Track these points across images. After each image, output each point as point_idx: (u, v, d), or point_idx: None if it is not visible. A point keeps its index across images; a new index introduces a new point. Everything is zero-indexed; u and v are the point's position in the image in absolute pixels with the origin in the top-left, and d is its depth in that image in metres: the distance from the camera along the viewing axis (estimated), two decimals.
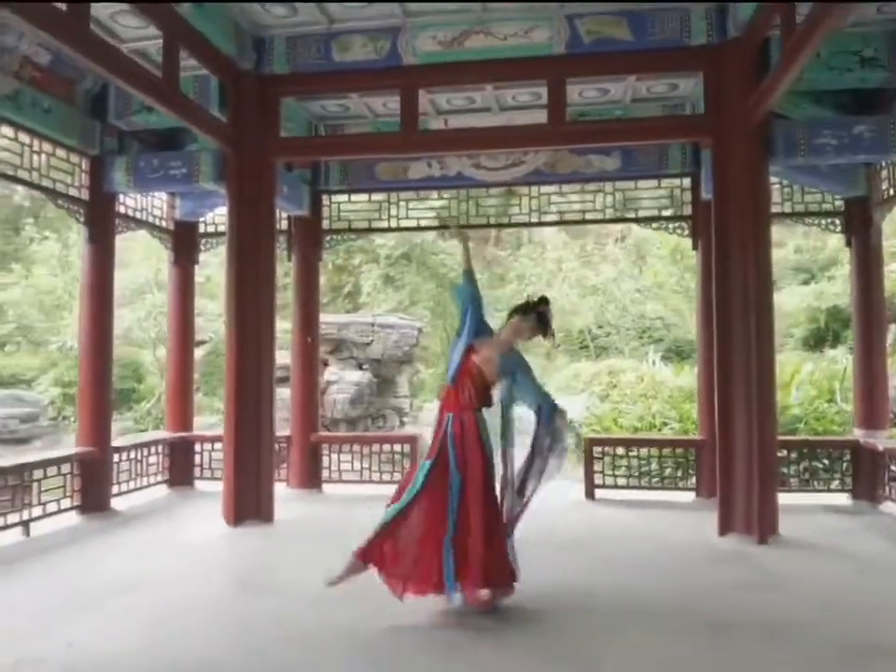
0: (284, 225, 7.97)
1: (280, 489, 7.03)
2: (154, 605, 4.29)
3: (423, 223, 8.78)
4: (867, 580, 4.75)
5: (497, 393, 4.25)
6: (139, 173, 6.75)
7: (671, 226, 7.78)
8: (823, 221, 7.48)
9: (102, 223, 6.79)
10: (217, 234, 8.18)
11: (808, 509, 6.68)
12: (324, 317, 10.15)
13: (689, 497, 7.32)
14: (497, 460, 4.13)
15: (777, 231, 15.82)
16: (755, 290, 5.72)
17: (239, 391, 6.32)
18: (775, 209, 7.11)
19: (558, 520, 6.42)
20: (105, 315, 6.87)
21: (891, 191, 6.72)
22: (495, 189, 8.22)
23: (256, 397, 6.36)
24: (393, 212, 8.27)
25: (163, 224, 7.92)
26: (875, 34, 5.73)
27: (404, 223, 8.43)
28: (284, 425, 8.13)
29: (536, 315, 4.21)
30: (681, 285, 18.42)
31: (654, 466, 7.74)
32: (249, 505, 6.29)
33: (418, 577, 3.91)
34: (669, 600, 4.35)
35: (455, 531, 3.89)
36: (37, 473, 6.18)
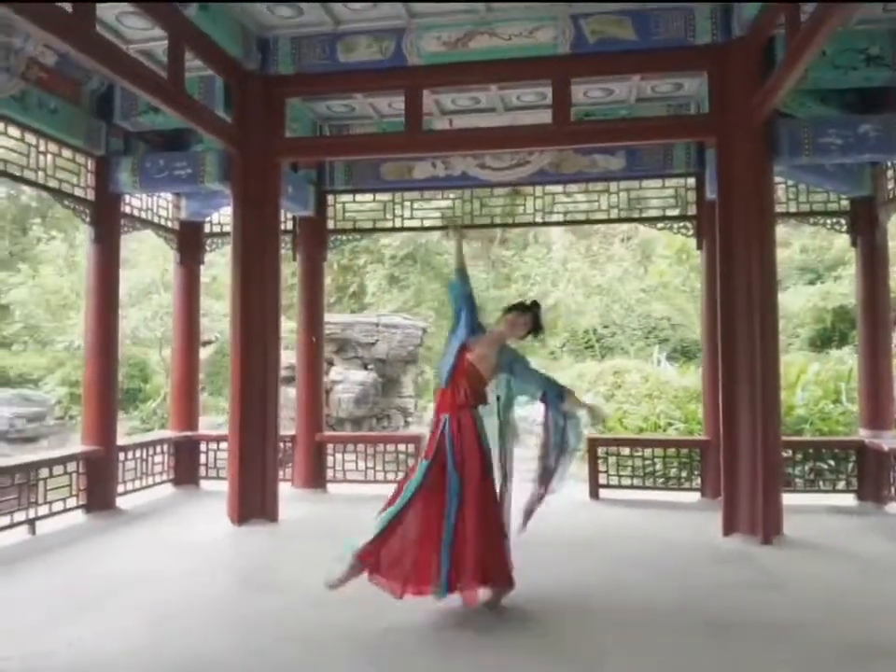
0: (289, 225, 8.00)
1: (285, 488, 7.05)
2: (158, 603, 4.31)
3: (427, 223, 8.79)
4: (871, 580, 4.74)
5: (491, 391, 4.25)
6: (145, 173, 6.78)
7: (676, 226, 7.77)
8: (828, 221, 7.46)
9: (107, 223, 6.82)
10: (222, 234, 8.20)
11: (813, 509, 6.66)
12: (329, 317, 10.18)
13: (694, 497, 7.32)
14: (496, 462, 4.13)
15: (783, 231, 15.81)
16: (759, 290, 5.71)
17: (244, 391, 6.34)
18: (779, 209, 7.10)
19: (562, 520, 6.41)
20: (110, 314, 6.90)
21: None
22: (500, 189, 8.22)
23: (261, 396, 6.38)
24: (398, 212, 8.29)
25: (169, 224, 7.95)
26: (881, 32, 5.72)
27: (409, 223, 8.45)
28: (289, 424, 8.15)
29: (532, 314, 4.28)
30: (687, 285, 18.36)
31: (659, 466, 7.73)
32: (254, 504, 6.31)
33: (417, 578, 3.90)
34: (672, 600, 4.35)
35: (453, 533, 3.88)
36: (43, 472, 6.22)
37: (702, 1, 5.79)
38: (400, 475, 7.65)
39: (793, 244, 17.96)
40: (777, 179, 6.64)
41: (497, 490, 4.14)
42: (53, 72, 6.07)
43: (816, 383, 10.67)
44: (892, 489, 6.74)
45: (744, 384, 5.73)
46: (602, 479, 7.52)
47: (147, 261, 16.88)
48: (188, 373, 8.25)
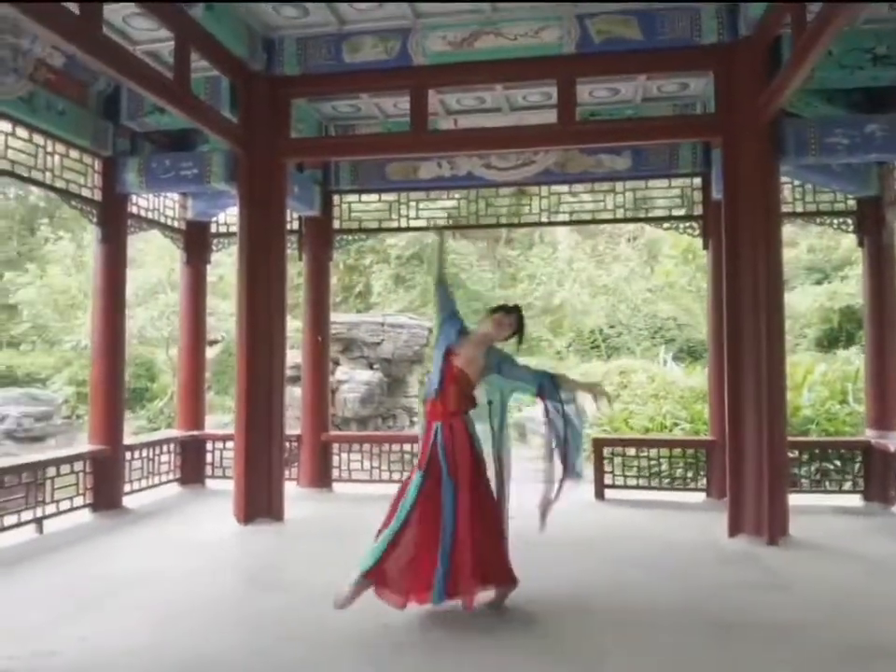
0: (295, 225, 8.02)
1: (290, 488, 7.07)
2: (163, 602, 4.33)
3: (433, 223, 8.79)
4: (877, 581, 4.73)
5: (482, 395, 4.22)
6: (151, 173, 6.81)
7: (682, 226, 7.76)
8: (835, 221, 7.44)
9: (114, 223, 6.85)
10: (228, 234, 8.23)
11: (820, 510, 6.64)
12: (335, 317, 10.20)
13: (699, 497, 7.31)
14: (492, 465, 4.12)
15: (789, 231, 15.76)
16: (766, 290, 5.69)
17: (250, 390, 6.36)
18: (786, 209, 7.09)
19: (567, 520, 6.38)
20: (117, 314, 6.93)
21: None
22: (505, 189, 8.22)
23: (267, 396, 6.40)
24: (403, 212, 8.29)
25: (175, 224, 7.98)
26: (888, 31, 5.68)
27: (414, 223, 8.46)
28: (294, 424, 8.17)
29: (517, 316, 4.28)
30: (693, 284, 18.33)
31: (665, 466, 7.72)
32: (260, 504, 6.33)
33: (418, 586, 3.89)
34: (675, 600, 4.34)
35: (451, 541, 3.85)
36: (51, 471, 6.24)
37: (708, 1, 5.78)
38: (406, 475, 7.70)
39: (800, 243, 17.92)
40: (784, 179, 6.62)
41: (495, 492, 4.13)
42: (61, 73, 6.10)
43: (822, 383, 10.64)
44: None
45: (750, 384, 5.72)
46: (608, 479, 7.52)
47: (153, 261, 16.95)
48: (194, 373, 8.28)
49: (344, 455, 8.13)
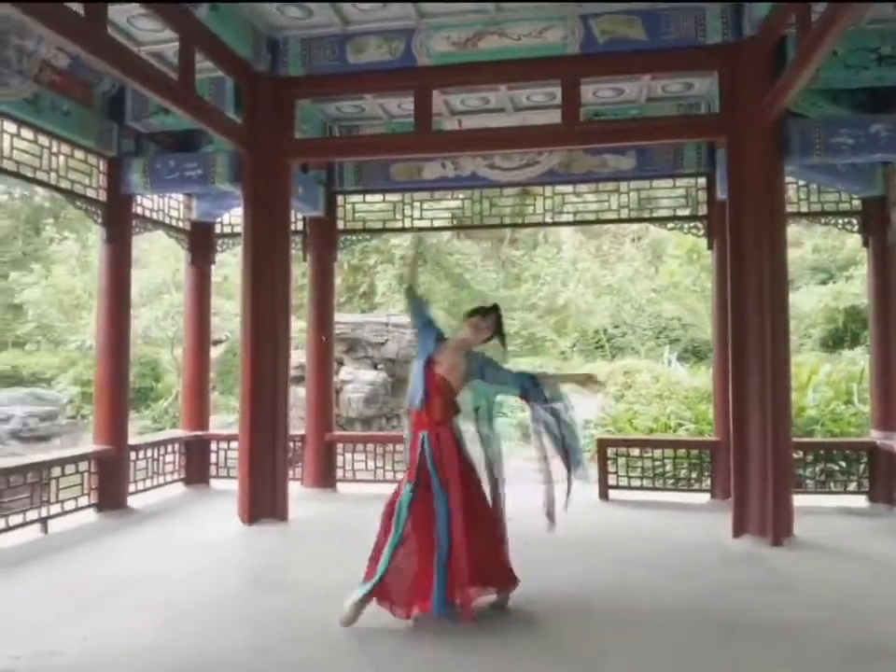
0: (299, 226, 8.04)
1: (294, 488, 7.08)
2: (168, 602, 4.33)
3: (437, 223, 8.81)
4: (881, 582, 4.71)
5: (466, 401, 4.15)
6: (156, 174, 6.82)
7: (686, 226, 7.75)
8: (840, 221, 7.42)
9: (119, 224, 6.87)
10: (233, 235, 8.24)
11: (824, 511, 6.63)
12: (339, 317, 10.21)
13: (704, 498, 7.30)
14: (483, 469, 4.08)
15: (794, 231, 15.73)
16: (770, 290, 5.68)
17: (254, 390, 6.37)
18: (791, 209, 7.07)
19: (571, 520, 6.37)
20: (122, 314, 6.95)
21: None
22: (509, 189, 8.22)
23: (271, 396, 6.41)
24: (407, 212, 8.31)
25: (180, 225, 8.00)
26: (893, 31, 5.66)
27: (419, 223, 8.46)
28: (299, 424, 8.18)
29: (494, 317, 4.19)
30: (698, 284, 18.30)
31: (669, 467, 7.71)
32: (264, 504, 6.34)
33: (421, 597, 3.85)
34: (679, 601, 4.34)
35: (447, 549, 3.82)
36: (55, 471, 6.26)
37: (713, 0, 5.77)
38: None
39: (805, 243, 17.88)
40: (789, 179, 6.61)
41: (489, 495, 4.09)
42: (65, 74, 6.12)
43: (827, 383, 10.62)
44: None
45: (755, 384, 5.71)
46: (612, 480, 7.51)
47: (158, 261, 16.98)
48: (199, 373, 8.30)
49: (348, 456, 8.14)
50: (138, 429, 13.32)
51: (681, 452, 7.69)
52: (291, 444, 7.11)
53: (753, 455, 5.70)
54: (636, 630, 3.89)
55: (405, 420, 4.23)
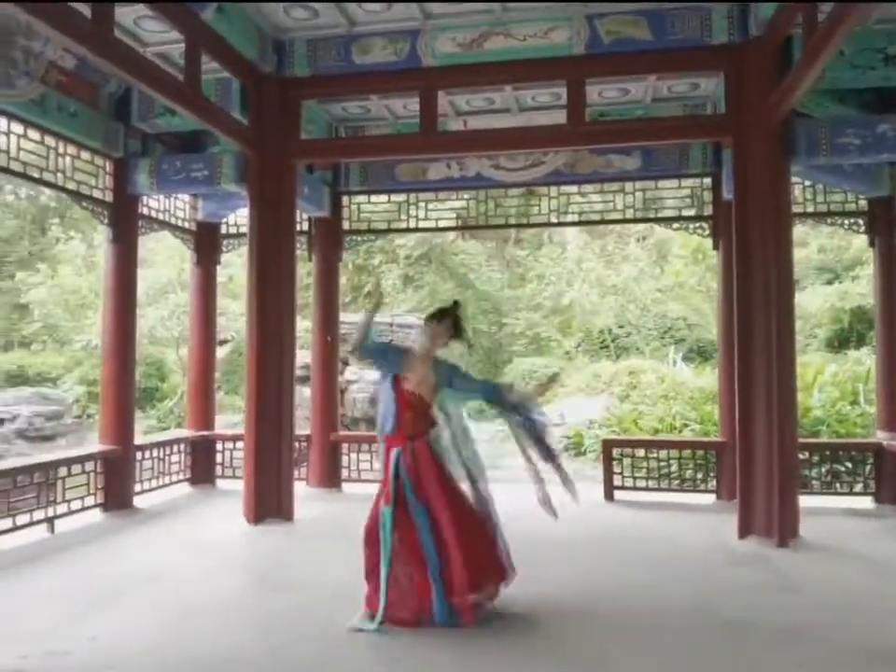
0: (304, 226, 8.05)
1: (300, 488, 7.09)
2: (174, 602, 4.35)
3: (442, 224, 8.80)
4: (887, 583, 4.71)
5: (439, 411, 4.10)
6: (162, 175, 6.84)
7: (692, 226, 7.74)
8: (846, 221, 7.41)
9: (125, 224, 6.89)
10: (238, 235, 8.26)
11: (830, 512, 6.61)
12: (344, 317, 10.19)
13: (709, 499, 7.28)
14: (462, 473, 4.04)
15: (800, 230, 15.70)
16: (776, 290, 5.67)
17: (260, 390, 6.38)
18: (797, 209, 7.06)
19: (576, 521, 6.39)
20: (128, 314, 6.97)
21: None
22: (514, 190, 8.22)
23: (276, 396, 6.42)
24: (412, 213, 8.31)
25: (186, 225, 8.02)
26: None
27: (423, 224, 8.47)
28: (304, 424, 8.19)
29: (450, 319, 4.11)
30: (703, 284, 18.27)
31: (674, 468, 7.70)
32: (270, 503, 6.35)
33: (424, 606, 3.84)
34: (685, 602, 4.33)
35: (439, 561, 3.81)
36: (62, 471, 6.29)
37: (719, 0, 5.76)
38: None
39: (811, 243, 17.84)
40: (795, 179, 6.60)
41: (473, 498, 4.04)
42: (72, 75, 6.13)
43: (833, 384, 10.61)
44: None
45: (760, 385, 5.70)
46: (617, 480, 7.50)
47: (163, 261, 17.04)
48: (204, 373, 8.31)
49: (353, 455, 8.14)
50: (143, 429, 13.35)
51: (687, 452, 7.68)
52: (296, 444, 7.12)
53: (759, 456, 5.69)
54: (640, 631, 3.89)
55: (381, 445, 4.13)
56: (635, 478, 7.56)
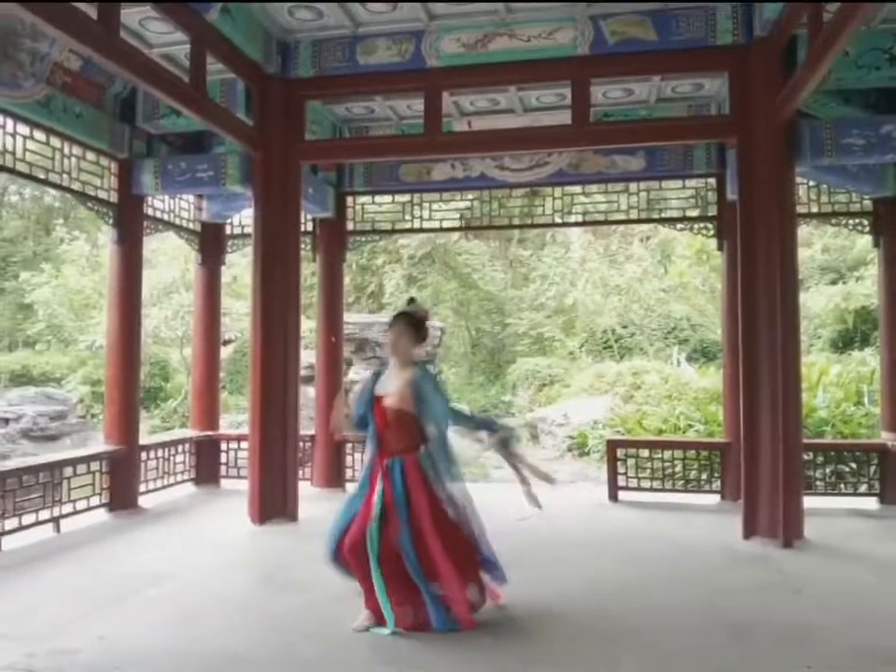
0: (309, 227, 8.05)
1: (304, 488, 7.10)
2: (180, 601, 4.36)
3: (446, 224, 8.81)
4: (892, 584, 4.70)
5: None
6: (167, 175, 6.86)
7: (696, 226, 7.75)
8: (851, 222, 7.40)
9: (130, 225, 6.91)
10: (243, 236, 8.27)
11: (835, 512, 6.61)
12: (347, 317, 10.22)
13: (714, 499, 7.27)
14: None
15: (804, 230, 15.65)
16: (781, 291, 5.67)
17: (264, 390, 6.39)
18: (801, 209, 7.04)
19: (580, 521, 6.43)
20: (133, 315, 6.98)
21: None
22: (518, 190, 8.23)
23: (281, 396, 6.43)
24: (416, 213, 8.31)
25: (190, 226, 8.04)
26: None
27: (428, 224, 8.49)
28: (308, 424, 8.20)
29: (402, 319, 4.03)
30: (707, 285, 18.25)
31: (679, 468, 7.69)
32: (275, 504, 6.36)
33: (419, 619, 3.82)
34: (689, 602, 4.33)
35: (422, 571, 3.77)
36: (68, 471, 6.30)
37: (724, 0, 5.76)
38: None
39: (815, 243, 17.79)
40: (799, 180, 6.59)
41: (456, 515, 3.95)
42: (77, 76, 6.15)
43: (837, 384, 10.58)
44: None
45: (765, 385, 5.70)
46: (621, 481, 7.49)
47: (167, 261, 17.07)
48: (209, 373, 8.33)
49: (357, 456, 8.13)
50: (147, 429, 13.39)
51: (691, 453, 7.67)
52: (301, 444, 7.13)
53: (764, 457, 5.68)
54: (644, 631, 3.89)
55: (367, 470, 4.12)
56: (639, 478, 7.55)
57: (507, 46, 6.10)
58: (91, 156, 6.56)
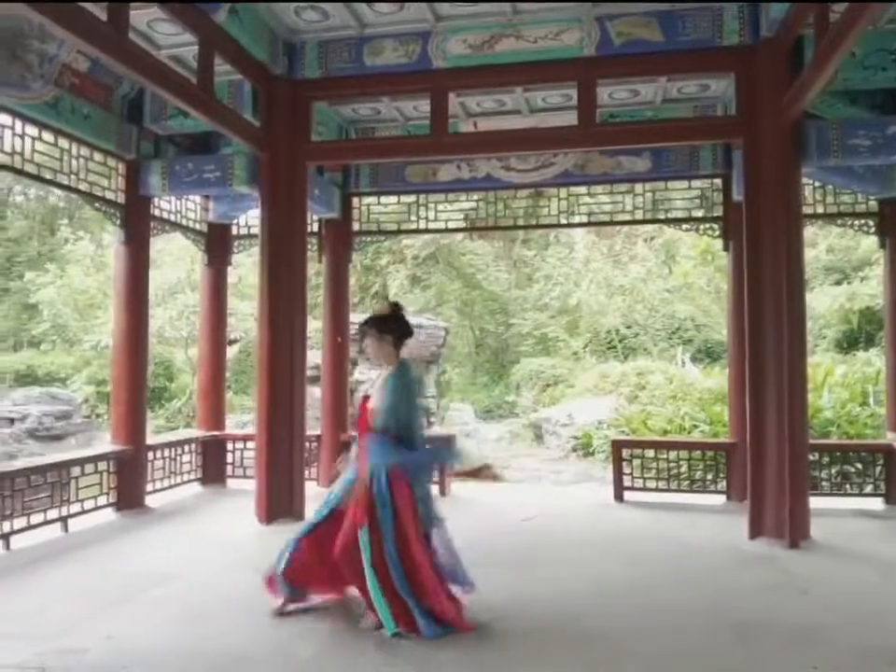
0: (314, 227, 8.07)
1: (310, 487, 7.11)
2: (187, 600, 4.38)
3: (451, 225, 8.82)
4: None
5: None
6: (174, 176, 6.88)
7: (702, 227, 7.74)
8: (856, 222, 7.40)
9: (137, 225, 6.92)
10: (249, 236, 8.29)
11: (841, 513, 6.60)
12: (353, 317, 10.24)
13: (719, 500, 7.27)
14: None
15: (809, 231, 15.63)
16: (787, 292, 5.67)
17: (271, 391, 6.41)
18: (807, 210, 7.03)
19: (586, 522, 6.44)
20: (140, 315, 7.01)
21: None
22: (523, 190, 8.22)
23: (288, 396, 6.45)
24: (422, 214, 8.32)
25: (197, 226, 8.05)
26: None
27: (433, 225, 8.48)
28: (314, 424, 8.21)
29: (365, 326, 4.07)
30: (712, 285, 18.25)
31: (684, 468, 7.69)
32: (281, 503, 6.37)
33: (409, 626, 3.79)
34: (695, 602, 4.34)
35: (406, 578, 3.77)
36: (75, 471, 6.33)
37: (730, 0, 5.76)
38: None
39: (820, 244, 17.79)
40: (804, 180, 6.58)
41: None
42: (85, 77, 6.17)
43: (842, 385, 10.59)
44: None
45: (771, 386, 5.70)
46: (627, 481, 7.49)
47: (172, 262, 17.12)
48: (215, 373, 8.35)
49: None
50: (152, 429, 13.40)
51: (697, 453, 7.67)
52: (307, 444, 7.14)
53: (770, 457, 5.69)
54: (650, 631, 3.89)
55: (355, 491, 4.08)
56: (645, 479, 7.56)
57: (513, 47, 6.11)
58: (98, 157, 6.58)
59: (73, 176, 6.32)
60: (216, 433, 8.19)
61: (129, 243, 6.88)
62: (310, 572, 4.05)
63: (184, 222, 7.84)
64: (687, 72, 6.44)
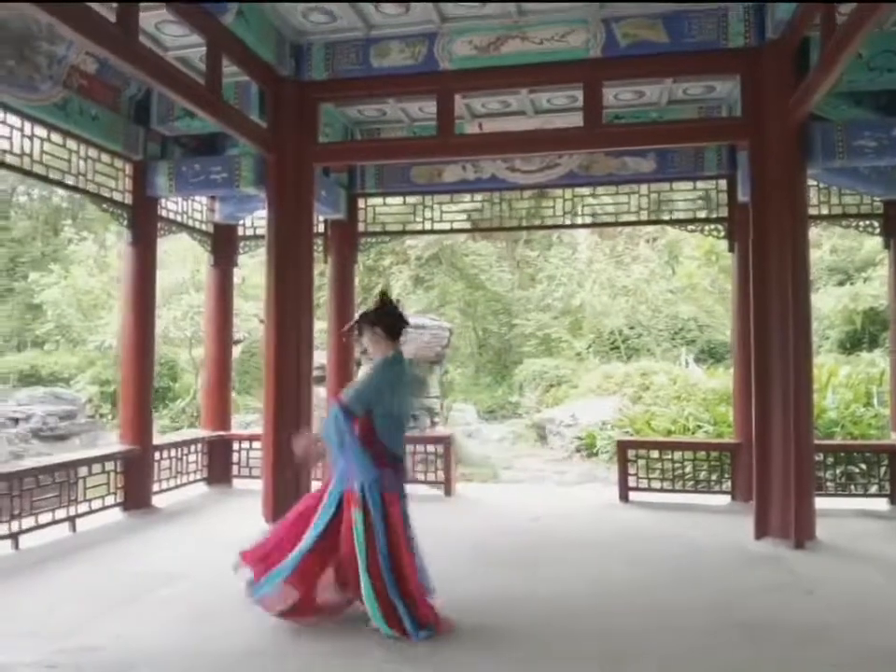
0: (320, 228, 8.09)
1: (317, 487, 7.12)
2: (193, 600, 4.41)
3: (456, 225, 8.83)
4: None
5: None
6: (181, 177, 6.90)
7: (706, 228, 7.75)
8: (861, 223, 7.41)
9: (144, 226, 6.95)
10: (255, 237, 8.31)
11: (846, 513, 6.61)
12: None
13: (724, 500, 7.28)
14: None
15: (812, 232, 15.60)
16: (793, 294, 5.68)
17: (277, 391, 6.43)
18: (812, 211, 7.04)
19: (591, 522, 6.45)
20: (147, 316, 7.02)
21: None
22: (527, 191, 8.24)
23: (294, 396, 6.46)
24: (427, 214, 8.34)
25: (203, 227, 8.08)
26: None
27: (438, 226, 8.50)
28: (320, 424, 8.22)
29: (357, 326, 4.13)
30: (715, 286, 18.25)
31: (689, 469, 7.71)
32: (288, 503, 6.33)
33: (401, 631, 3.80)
34: (701, 602, 4.35)
35: (395, 579, 3.79)
36: (83, 471, 6.35)
37: (736, 1, 5.78)
38: (428, 475, 7.73)
39: (823, 244, 17.79)
40: (809, 181, 6.59)
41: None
42: (93, 79, 6.20)
43: (846, 385, 10.59)
44: None
45: (777, 386, 5.71)
46: (632, 481, 7.50)
47: (176, 262, 17.14)
48: (220, 374, 8.37)
49: None
50: (156, 429, 13.41)
51: (701, 454, 7.68)
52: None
53: (775, 458, 5.70)
54: (652, 631, 3.90)
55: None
56: (649, 479, 7.56)
57: (519, 48, 6.13)
58: (105, 158, 6.61)
59: (81, 177, 6.34)
60: (222, 433, 8.21)
61: (136, 243, 6.90)
62: (310, 583, 3.98)
63: (190, 223, 7.87)
64: (692, 73, 6.46)
